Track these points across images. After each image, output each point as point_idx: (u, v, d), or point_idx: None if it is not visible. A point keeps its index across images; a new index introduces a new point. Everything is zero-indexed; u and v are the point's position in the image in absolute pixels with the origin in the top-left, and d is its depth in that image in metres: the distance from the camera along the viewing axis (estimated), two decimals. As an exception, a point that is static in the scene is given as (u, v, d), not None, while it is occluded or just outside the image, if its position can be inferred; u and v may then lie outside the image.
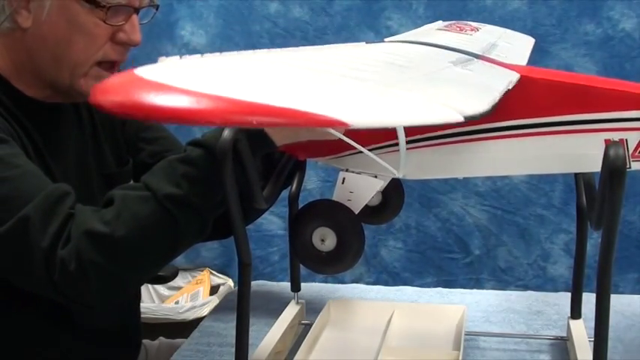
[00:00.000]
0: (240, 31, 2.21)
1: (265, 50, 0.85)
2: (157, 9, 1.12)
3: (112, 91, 0.66)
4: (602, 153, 0.81)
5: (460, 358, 1.03)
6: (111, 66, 1.08)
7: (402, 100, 0.75)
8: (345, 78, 0.81)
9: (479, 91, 0.85)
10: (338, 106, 0.63)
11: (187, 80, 0.66)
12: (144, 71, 0.68)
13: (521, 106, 0.86)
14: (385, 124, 0.72)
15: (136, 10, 1.07)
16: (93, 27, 1.03)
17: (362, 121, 0.63)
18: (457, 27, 1.15)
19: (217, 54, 0.81)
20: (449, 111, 0.74)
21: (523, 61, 1.09)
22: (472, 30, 1.15)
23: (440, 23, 1.24)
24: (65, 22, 1.03)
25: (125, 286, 0.98)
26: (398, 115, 0.71)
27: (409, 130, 0.84)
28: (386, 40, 1.14)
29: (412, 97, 0.77)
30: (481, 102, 0.81)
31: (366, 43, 0.99)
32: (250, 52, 0.84)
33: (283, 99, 0.62)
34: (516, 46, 1.17)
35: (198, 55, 0.78)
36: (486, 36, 1.14)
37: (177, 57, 0.76)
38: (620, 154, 0.78)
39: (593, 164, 0.86)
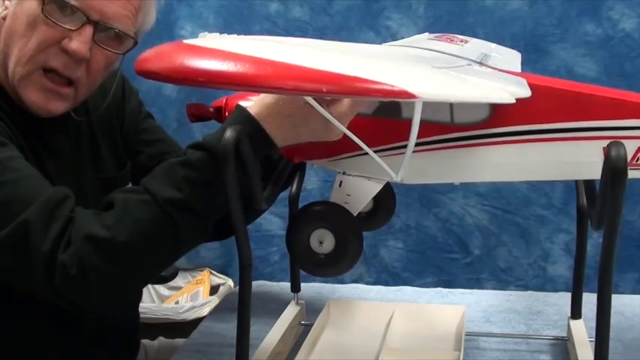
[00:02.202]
0: (240, 31, 2.18)
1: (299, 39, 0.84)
2: (134, 45, 1.06)
3: (164, 57, 0.64)
4: (601, 160, 0.81)
5: (461, 358, 1.03)
6: (60, 78, 1.03)
7: (459, 81, 0.76)
8: (396, 60, 0.80)
9: (511, 82, 0.85)
10: (404, 79, 0.63)
11: (249, 49, 0.64)
12: (195, 41, 0.67)
13: (520, 113, 0.86)
14: (451, 99, 0.72)
15: (95, 25, 1.01)
16: (37, 21, 0.99)
17: (429, 93, 0.64)
18: (447, 38, 1.15)
19: (252, 36, 0.80)
20: (502, 92, 0.75)
21: (516, 70, 1.09)
22: (462, 42, 1.15)
23: (427, 35, 1.24)
24: (23, 15, 1.01)
25: (126, 289, 0.98)
26: (461, 91, 0.71)
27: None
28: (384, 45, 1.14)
29: (466, 79, 0.77)
30: (522, 89, 0.82)
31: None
32: (282, 37, 0.82)
33: (353, 70, 0.61)
34: (507, 58, 1.18)
35: (235, 35, 0.77)
36: (477, 47, 1.15)
37: (217, 33, 0.75)
38: (622, 154, 0.78)
39: (591, 171, 0.86)
